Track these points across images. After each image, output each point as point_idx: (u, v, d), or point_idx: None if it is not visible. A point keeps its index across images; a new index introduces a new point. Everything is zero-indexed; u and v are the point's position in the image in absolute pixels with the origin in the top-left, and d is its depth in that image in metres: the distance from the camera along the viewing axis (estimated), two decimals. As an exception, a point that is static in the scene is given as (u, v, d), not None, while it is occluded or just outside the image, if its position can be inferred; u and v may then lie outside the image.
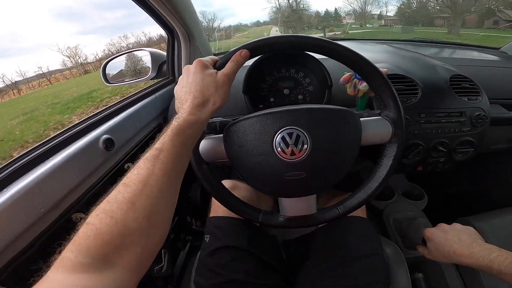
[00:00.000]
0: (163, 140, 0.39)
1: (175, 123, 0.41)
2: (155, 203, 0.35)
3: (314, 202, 0.56)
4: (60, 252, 0.30)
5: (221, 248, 0.64)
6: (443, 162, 0.85)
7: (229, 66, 0.48)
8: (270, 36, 0.49)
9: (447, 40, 1.56)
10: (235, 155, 0.51)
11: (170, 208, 0.39)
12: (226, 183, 0.78)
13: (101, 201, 0.34)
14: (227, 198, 0.57)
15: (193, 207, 1.13)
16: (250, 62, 0.76)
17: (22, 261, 0.48)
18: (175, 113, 0.47)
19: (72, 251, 0.29)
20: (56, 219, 0.55)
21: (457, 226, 0.67)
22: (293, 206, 0.55)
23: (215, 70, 0.48)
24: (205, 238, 0.69)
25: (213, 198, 0.75)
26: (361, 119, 0.53)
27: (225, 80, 0.47)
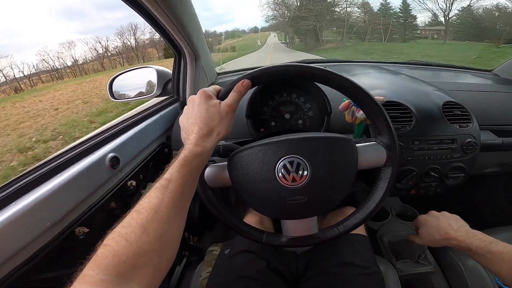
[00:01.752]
0: (171, 171, 0.43)
1: (182, 154, 0.45)
2: (165, 227, 0.39)
3: (315, 222, 0.59)
4: (81, 270, 0.33)
5: (238, 253, 0.72)
6: (435, 186, 0.87)
7: (232, 96, 0.50)
8: (269, 65, 0.52)
9: (443, 63, 1.59)
10: (239, 182, 0.54)
11: (179, 231, 0.43)
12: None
13: (116, 225, 0.38)
14: (232, 221, 0.59)
15: (190, 223, 1.14)
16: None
17: (24, 271, 0.50)
18: (179, 138, 0.51)
19: (93, 269, 0.33)
20: (60, 232, 0.57)
21: (445, 213, 0.75)
22: (295, 227, 0.58)
23: (219, 101, 0.50)
24: (225, 252, 0.75)
25: None
26: (357, 145, 0.56)
27: (228, 111, 0.49)
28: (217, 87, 0.54)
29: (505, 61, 1.40)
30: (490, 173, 1.08)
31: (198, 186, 0.55)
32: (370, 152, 0.56)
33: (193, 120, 0.48)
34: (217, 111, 0.48)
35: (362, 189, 1.27)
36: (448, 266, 0.92)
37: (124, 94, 1.07)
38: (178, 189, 0.42)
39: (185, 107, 0.52)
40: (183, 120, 0.51)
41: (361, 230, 0.78)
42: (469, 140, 0.82)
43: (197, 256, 1.18)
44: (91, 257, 0.34)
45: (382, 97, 0.67)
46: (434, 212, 0.76)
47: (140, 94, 1.07)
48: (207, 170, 0.57)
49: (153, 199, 0.39)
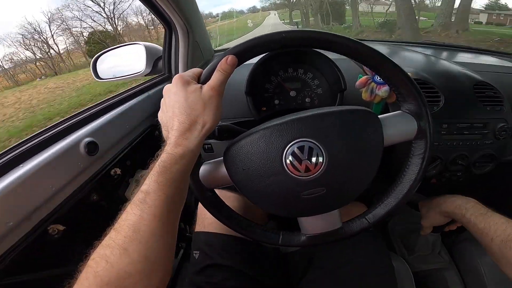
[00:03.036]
0: (148, 181, 0.36)
1: (159, 160, 0.37)
2: (149, 247, 0.34)
3: (338, 214, 0.50)
4: None
5: (212, 266, 0.62)
6: (459, 176, 0.80)
7: (215, 77, 0.42)
8: (258, 35, 0.42)
9: (461, 44, 1.50)
10: (240, 179, 0.45)
11: (169, 248, 0.37)
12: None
13: (97, 245, 0.34)
14: (241, 225, 0.52)
15: (187, 213, 1.08)
16: (254, 60, 0.71)
17: None
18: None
19: None
20: (28, 232, 0.51)
21: (446, 195, 0.74)
22: (315, 223, 0.50)
23: (199, 85, 0.42)
24: (194, 254, 0.66)
25: (198, 209, 0.74)
26: (379, 116, 0.46)
27: (212, 95, 0.41)
28: (197, 69, 0.45)
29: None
30: None
31: (193, 188, 0.47)
32: (396, 123, 0.46)
33: (170, 113, 0.41)
34: (198, 97, 0.40)
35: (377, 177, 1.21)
36: (464, 262, 0.89)
37: (110, 73, 0.99)
38: (158, 202, 0.35)
39: (162, 100, 0.44)
40: (161, 115, 0.44)
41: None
42: (502, 124, 0.74)
43: (182, 259, 1.13)
44: (76, 277, 0.32)
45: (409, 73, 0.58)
46: (434, 196, 0.76)
47: (128, 72, 0.98)
48: (202, 168, 0.48)
49: (130, 215, 0.34)
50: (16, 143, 0.56)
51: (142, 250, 0.33)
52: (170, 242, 0.38)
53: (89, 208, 0.65)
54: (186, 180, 0.41)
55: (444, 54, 1.30)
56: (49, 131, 0.60)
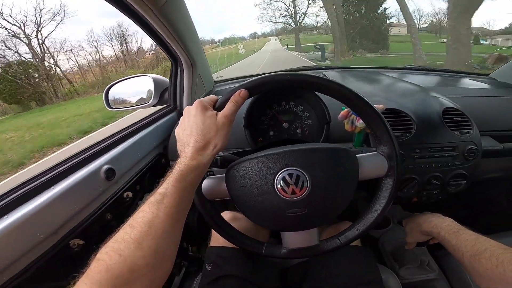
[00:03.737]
0: (166, 185, 0.42)
1: (177, 168, 0.44)
2: (160, 242, 0.38)
3: (316, 233, 0.57)
4: (74, 283, 0.33)
5: (223, 277, 0.66)
6: (437, 193, 0.86)
7: (228, 107, 0.49)
8: (267, 74, 0.50)
9: (440, 67, 1.59)
10: (238, 194, 0.52)
11: (175, 245, 0.42)
12: (226, 215, 0.79)
13: (109, 239, 0.37)
14: (230, 233, 0.58)
15: (189, 233, 1.12)
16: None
17: (16, 284, 0.49)
18: (176, 148, 0.50)
19: (86, 283, 0.32)
20: (53, 245, 0.56)
21: (426, 212, 0.78)
22: (295, 238, 0.57)
23: (215, 112, 0.49)
24: (206, 267, 0.70)
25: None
26: (357, 155, 0.55)
27: (225, 122, 0.48)
28: (214, 97, 0.52)
29: (502, 64, 1.40)
30: (492, 178, 1.07)
31: (195, 198, 0.54)
32: (371, 162, 0.55)
33: (189, 132, 0.47)
34: (213, 122, 0.47)
35: (363, 198, 1.26)
36: (452, 272, 0.92)
37: (121, 103, 1.07)
38: (173, 203, 0.40)
39: (181, 118, 0.51)
40: (179, 131, 0.50)
41: (357, 241, 0.75)
42: (470, 147, 0.82)
43: (196, 266, 1.16)
44: (84, 271, 0.34)
45: (381, 105, 0.67)
46: (415, 214, 0.80)
47: (137, 103, 1.06)
48: (205, 182, 0.56)
49: (147, 213, 0.39)
50: (49, 167, 0.63)
51: (153, 245, 0.36)
52: (176, 240, 0.42)
53: (104, 226, 0.70)
54: (194, 189, 0.47)
55: (420, 78, 1.38)
56: (77, 157, 0.68)
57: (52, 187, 0.58)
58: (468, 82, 1.37)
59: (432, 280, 0.96)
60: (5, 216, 0.49)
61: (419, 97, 0.95)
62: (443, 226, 0.66)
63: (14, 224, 0.49)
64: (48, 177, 0.60)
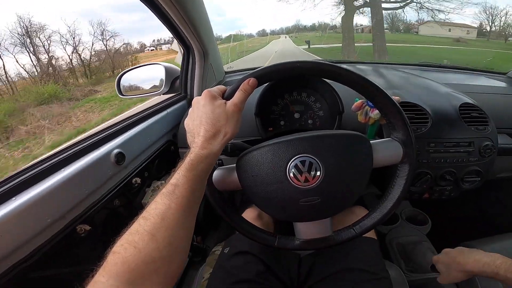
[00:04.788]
0: (178, 175, 0.41)
1: (188, 158, 0.43)
2: (174, 234, 0.38)
3: (329, 223, 0.56)
4: (92, 276, 0.33)
5: (237, 254, 0.69)
6: (449, 190, 0.85)
7: (238, 95, 0.48)
8: (276, 62, 0.49)
9: (456, 65, 1.55)
10: (249, 184, 0.51)
11: (188, 236, 0.42)
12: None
13: (124, 231, 0.37)
14: (242, 225, 0.57)
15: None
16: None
17: (22, 269, 0.49)
18: (185, 137, 0.49)
19: (103, 276, 0.33)
20: (61, 229, 0.56)
21: (460, 248, 0.70)
22: (308, 229, 0.56)
23: (224, 101, 0.48)
24: (225, 250, 0.73)
25: None
26: (371, 141, 0.53)
27: (235, 110, 0.47)
28: (222, 87, 0.52)
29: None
30: (505, 178, 1.05)
31: (206, 190, 0.53)
32: (385, 148, 0.53)
33: (198, 122, 0.46)
34: (223, 111, 0.47)
35: (372, 193, 1.25)
36: None
37: (132, 91, 1.07)
38: (185, 194, 0.40)
39: (190, 109, 0.50)
40: (188, 122, 0.49)
41: (371, 233, 0.75)
42: (487, 143, 0.80)
43: (200, 257, 1.16)
44: (101, 264, 0.34)
45: (397, 97, 0.65)
46: (448, 251, 0.71)
47: (148, 90, 1.07)
48: (215, 173, 0.55)
49: (160, 205, 0.39)
50: (58, 150, 0.63)
51: (167, 236, 0.37)
52: (190, 231, 0.42)
53: (111, 212, 0.71)
54: (206, 178, 0.46)
55: (436, 75, 1.35)
56: (87, 141, 0.68)
57: (63, 169, 0.59)
58: (485, 80, 1.34)
59: (437, 278, 0.95)
60: (13, 198, 0.50)
61: (435, 91, 0.93)
62: (498, 264, 0.59)
63: (22, 207, 0.49)
64: (58, 160, 0.60)
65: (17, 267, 0.48)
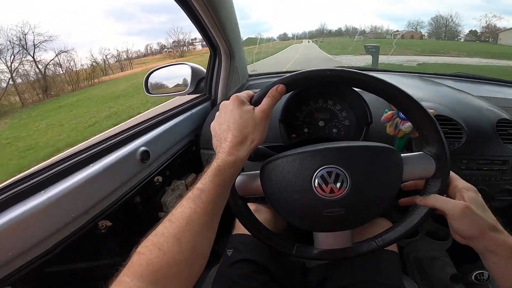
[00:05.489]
0: (204, 180, 0.41)
1: (215, 163, 0.43)
2: (197, 238, 0.38)
3: (351, 235, 0.54)
4: (116, 276, 0.34)
5: (242, 261, 0.67)
6: None
7: (266, 102, 0.47)
8: (306, 69, 0.48)
9: (492, 76, 1.47)
10: (272, 191, 0.51)
11: (210, 241, 0.42)
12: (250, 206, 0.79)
13: (149, 233, 0.38)
14: (262, 232, 0.57)
15: None
16: None
17: (42, 262, 0.50)
18: (208, 137, 0.49)
19: (128, 276, 0.33)
20: (83, 225, 0.57)
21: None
22: (328, 239, 0.54)
23: (252, 107, 0.48)
24: (227, 252, 0.71)
25: None
26: (402, 155, 0.51)
27: (263, 117, 0.47)
28: (250, 92, 0.51)
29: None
30: None
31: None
32: (416, 163, 0.51)
33: (225, 126, 0.46)
34: (251, 117, 0.46)
35: (392, 205, 1.21)
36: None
37: (159, 90, 1.09)
38: (211, 199, 0.40)
39: (217, 113, 0.50)
40: (215, 126, 0.49)
41: (393, 246, 0.72)
42: None
43: (212, 258, 1.17)
44: (126, 264, 0.35)
45: (432, 110, 0.62)
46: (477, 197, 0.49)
47: (174, 90, 1.09)
48: (238, 178, 0.54)
49: (186, 209, 0.39)
50: (88, 146, 0.65)
51: (191, 240, 0.37)
52: (212, 236, 0.42)
53: (132, 209, 0.71)
54: (231, 184, 0.46)
55: (471, 86, 1.29)
56: (115, 138, 0.70)
57: (91, 165, 0.60)
58: None
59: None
60: (43, 191, 0.51)
61: (471, 105, 0.89)
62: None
63: (50, 201, 0.50)
64: (88, 155, 0.61)
65: (38, 260, 0.49)
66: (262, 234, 0.57)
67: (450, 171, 0.51)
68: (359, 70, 0.52)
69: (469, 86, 1.30)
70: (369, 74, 0.47)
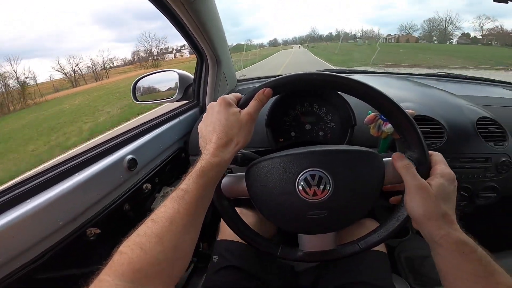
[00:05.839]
0: (188, 181, 0.42)
1: (199, 165, 0.43)
2: (180, 238, 0.38)
3: (334, 237, 0.55)
4: (97, 275, 0.34)
5: (228, 267, 0.67)
6: (463, 205, 0.83)
7: (252, 105, 0.48)
8: (292, 73, 0.49)
9: (474, 75, 1.51)
10: (257, 193, 0.51)
11: (193, 241, 0.42)
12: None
13: (132, 232, 0.38)
14: (246, 233, 0.57)
15: (201, 229, 1.12)
16: None
17: (31, 269, 0.50)
18: (197, 144, 0.50)
19: (109, 275, 0.33)
20: (71, 232, 0.57)
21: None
22: (312, 241, 0.55)
23: (239, 109, 0.48)
24: (213, 259, 0.71)
25: (222, 222, 0.77)
26: (384, 159, 0.52)
27: (248, 120, 0.47)
28: (238, 94, 0.52)
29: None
30: None
31: (214, 196, 0.53)
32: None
33: (211, 128, 0.47)
34: (237, 119, 0.47)
35: (383, 205, 1.23)
36: None
37: (147, 97, 1.09)
38: (194, 200, 0.41)
39: (204, 114, 0.50)
40: (201, 127, 0.49)
41: (380, 247, 0.73)
42: (504, 159, 0.78)
43: (205, 263, 1.16)
44: (107, 263, 0.35)
45: (412, 111, 0.63)
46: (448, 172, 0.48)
47: (162, 97, 1.09)
48: (224, 179, 0.55)
49: (169, 209, 0.39)
50: (74, 154, 0.65)
51: (173, 240, 0.37)
52: (195, 236, 0.42)
53: (121, 216, 0.71)
54: (215, 185, 0.46)
55: (452, 86, 1.31)
56: (102, 146, 0.70)
57: (77, 174, 0.60)
58: (504, 92, 1.30)
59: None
60: (28, 201, 0.51)
61: (452, 104, 0.91)
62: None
63: (35, 210, 0.50)
64: (73, 164, 0.62)
65: (26, 268, 0.49)
66: (247, 235, 0.57)
67: (439, 155, 0.51)
68: (342, 73, 0.53)
69: (452, 85, 1.32)
70: (351, 77, 0.48)
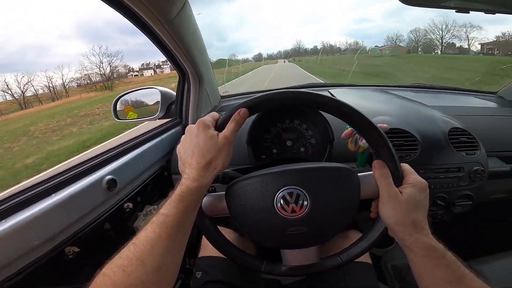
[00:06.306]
0: (168, 206, 0.43)
1: (178, 189, 0.44)
2: (162, 260, 0.39)
3: (316, 251, 0.56)
4: None
5: (211, 282, 0.68)
6: (441, 214, 0.85)
7: (229, 127, 0.49)
8: (266, 92, 0.50)
9: (447, 85, 1.57)
10: (237, 212, 0.52)
11: (177, 262, 0.43)
12: None
13: (114, 255, 0.38)
14: (229, 250, 0.58)
15: (187, 245, 1.11)
16: None
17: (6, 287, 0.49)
18: (177, 166, 0.50)
19: None
20: (49, 250, 0.57)
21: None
22: (295, 256, 0.56)
23: (217, 132, 0.49)
24: (196, 275, 0.72)
25: (203, 238, 0.79)
26: (358, 174, 0.54)
27: (225, 143, 0.48)
28: (215, 115, 0.52)
29: (510, 82, 1.38)
30: (498, 199, 1.06)
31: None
32: (372, 181, 0.53)
33: (190, 152, 0.47)
34: (214, 143, 0.47)
35: (366, 216, 1.25)
36: None
37: (128, 115, 1.08)
38: (175, 224, 0.41)
39: (183, 136, 0.51)
40: (180, 150, 0.50)
41: (365, 257, 0.75)
42: (477, 168, 0.81)
43: (192, 280, 1.14)
44: (89, 285, 0.35)
45: (385, 125, 0.66)
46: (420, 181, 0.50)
47: (144, 115, 1.08)
48: (205, 199, 0.56)
49: (150, 233, 0.40)
50: (52, 175, 0.65)
51: (156, 263, 0.38)
52: (178, 258, 0.43)
53: (101, 235, 0.71)
54: (197, 209, 0.47)
55: (427, 96, 1.36)
56: (80, 167, 0.69)
57: (53, 195, 0.60)
58: (475, 101, 1.35)
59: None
60: (3, 221, 0.51)
61: (425, 116, 0.94)
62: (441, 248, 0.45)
63: (8, 230, 0.50)
64: (50, 185, 0.62)
65: (3, 284, 0.49)
66: (231, 253, 0.57)
67: (408, 165, 0.53)
68: (322, 87, 0.55)
69: (427, 96, 1.37)
70: (320, 94, 0.50)
